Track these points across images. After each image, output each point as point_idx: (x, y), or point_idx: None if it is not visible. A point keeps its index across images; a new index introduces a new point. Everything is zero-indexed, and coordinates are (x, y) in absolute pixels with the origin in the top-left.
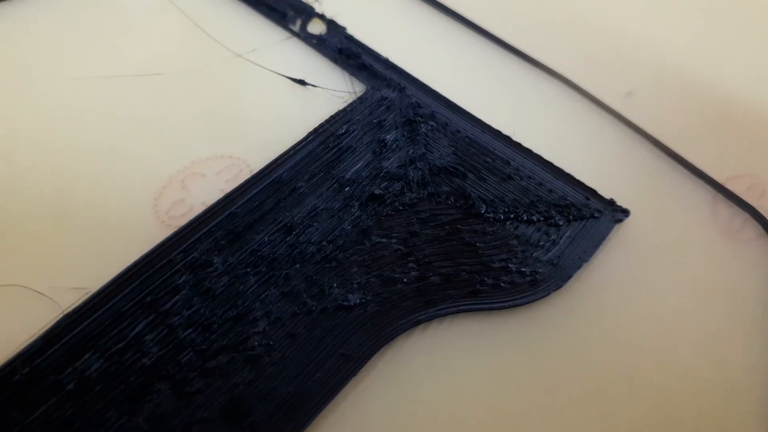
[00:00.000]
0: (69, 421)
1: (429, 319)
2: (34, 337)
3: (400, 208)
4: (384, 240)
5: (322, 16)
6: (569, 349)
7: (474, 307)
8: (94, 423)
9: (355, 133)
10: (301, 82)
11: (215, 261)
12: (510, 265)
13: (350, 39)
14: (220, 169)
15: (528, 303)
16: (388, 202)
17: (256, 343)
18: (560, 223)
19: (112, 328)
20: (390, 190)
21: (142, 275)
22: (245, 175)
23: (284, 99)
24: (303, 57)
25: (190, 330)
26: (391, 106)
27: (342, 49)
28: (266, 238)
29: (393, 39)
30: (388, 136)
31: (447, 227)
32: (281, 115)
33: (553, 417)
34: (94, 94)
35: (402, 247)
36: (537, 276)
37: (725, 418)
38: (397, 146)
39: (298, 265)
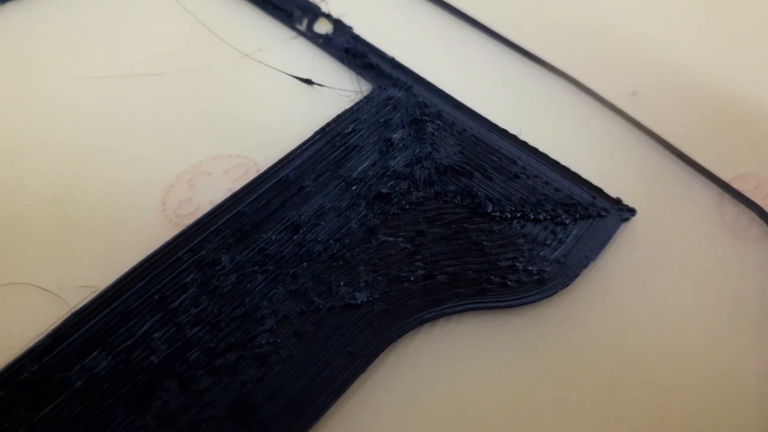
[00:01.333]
0: (77, 419)
1: (436, 317)
2: (43, 335)
3: (407, 206)
4: (391, 239)
5: (328, 16)
6: (576, 347)
7: (481, 305)
8: (102, 421)
9: (362, 132)
10: (308, 82)
11: (223, 259)
12: (517, 264)
13: (357, 38)
14: (228, 168)
15: (535, 302)
16: (394, 200)
17: (263, 342)
18: (567, 221)
19: (120, 326)
20: (397, 188)
21: (149, 273)
22: (252, 174)
23: (291, 98)
24: (309, 56)
25: (197, 328)
26: (398, 105)
27: (348, 48)
28: (273, 237)
29: (399, 38)
30: (395, 135)
31: (454, 226)
32: (288, 114)
33: (560, 414)
34: (100, 95)
35: (409, 246)
36: (544, 275)
37: (729, 417)
38: (403, 145)
39: (305, 264)
